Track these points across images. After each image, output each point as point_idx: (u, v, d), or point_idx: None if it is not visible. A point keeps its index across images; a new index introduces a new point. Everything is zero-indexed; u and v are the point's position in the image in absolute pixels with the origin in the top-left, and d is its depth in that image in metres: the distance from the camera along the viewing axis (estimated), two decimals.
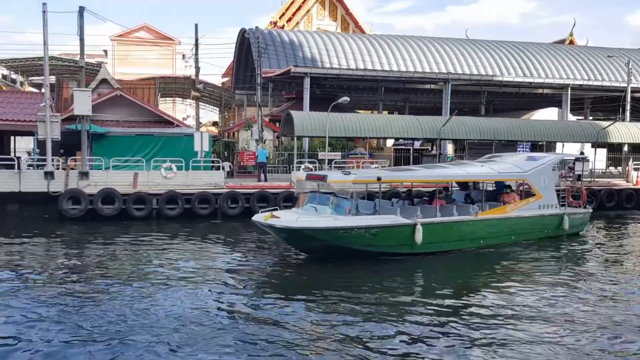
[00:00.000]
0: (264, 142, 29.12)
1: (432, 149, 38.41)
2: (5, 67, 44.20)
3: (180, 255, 16.49)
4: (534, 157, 20.39)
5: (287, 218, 15.12)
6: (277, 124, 36.03)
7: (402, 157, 35.50)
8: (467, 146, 34.77)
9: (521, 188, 19.61)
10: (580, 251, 18.85)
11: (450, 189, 19.89)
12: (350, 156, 30.79)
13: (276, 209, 16.79)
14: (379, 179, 16.02)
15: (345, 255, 15.39)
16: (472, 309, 11.53)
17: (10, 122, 26.06)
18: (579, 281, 14.30)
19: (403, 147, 38.46)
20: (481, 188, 19.12)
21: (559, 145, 34.38)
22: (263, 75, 32.24)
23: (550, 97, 43.29)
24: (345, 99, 27.10)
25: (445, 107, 36.07)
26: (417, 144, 39.25)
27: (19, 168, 23.30)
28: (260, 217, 15.55)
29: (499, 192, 19.72)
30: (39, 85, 51.39)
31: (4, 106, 27.50)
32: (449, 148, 37.98)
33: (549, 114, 44.78)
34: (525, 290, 13.11)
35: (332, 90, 39.46)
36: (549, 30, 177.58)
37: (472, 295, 12.78)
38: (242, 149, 32.79)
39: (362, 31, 56.45)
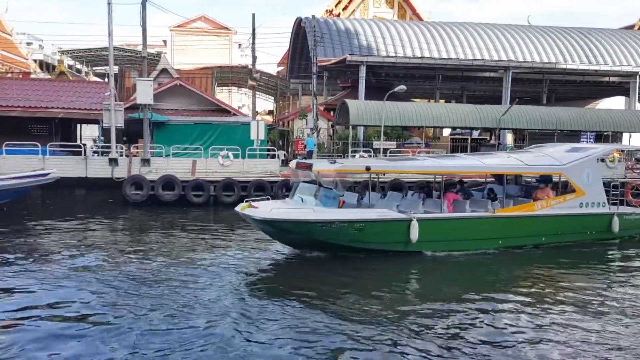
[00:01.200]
0: (312, 132, 29.23)
1: (490, 138, 37.52)
2: (71, 57, 46.12)
3: (227, 243, 16.88)
4: (578, 148, 18.14)
5: (263, 209, 14.10)
6: (332, 113, 36.10)
7: (460, 147, 34.86)
8: (528, 136, 33.79)
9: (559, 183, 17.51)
10: (624, 261, 15.92)
11: (462, 182, 18.21)
12: (405, 145, 30.52)
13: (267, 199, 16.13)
14: (367, 168, 14.71)
15: (342, 250, 14.34)
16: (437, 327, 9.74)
17: (77, 110, 27.35)
18: (604, 303, 11.42)
19: (460, 136, 37.75)
20: (516, 181, 17.96)
21: (625, 135, 32.84)
22: (318, 64, 32.31)
23: (616, 85, 41.26)
24: (401, 87, 26.88)
25: (505, 96, 35.11)
26: (475, 134, 38.44)
27: (85, 155, 24.44)
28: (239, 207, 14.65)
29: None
30: (102, 75, 53.45)
31: (71, 95, 28.87)
32: (509, 138, 36.98)
33: (615, 103, 42.78)
34: (522, 312, 10.63)
35: (388, 79, 39.07)
36: (615, 16, 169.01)
37: (448, 307, 10.80)
38: (297, 138, 33.08)
39: (420, 19, 55.51)
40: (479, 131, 38.46)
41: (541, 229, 16.17)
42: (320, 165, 14.91)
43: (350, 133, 30.65)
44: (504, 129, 32.19)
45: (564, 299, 11.67)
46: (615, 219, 16.95)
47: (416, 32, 40.88)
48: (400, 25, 42.73)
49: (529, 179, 19.36)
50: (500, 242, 15.56)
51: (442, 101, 44.95)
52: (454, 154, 21.16)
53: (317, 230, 13.91)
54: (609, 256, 16.37)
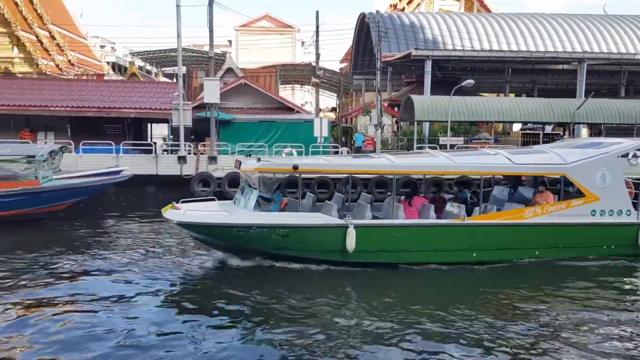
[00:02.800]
0: (376, 128, 28.97)
1: (564, 133, 35.98)
2: (142, 59, 47.97)
3: None
4: (598, 143, 15.30)
5: (180, 211, 13.10)
6: (396, 109, 35.74)
7: (531, 142, 33.62)
8: (604, 130, 32.16)
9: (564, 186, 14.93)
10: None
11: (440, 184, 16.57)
12: (473, 141, 29.76)
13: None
14: (295, 167, 12.90)
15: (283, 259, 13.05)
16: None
17: (148, 110, 28.46)
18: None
19: (532, 131, 36.42)
20: (516, 184, 15.67)
21: None
22: (382, 60, 32.03)
23: None
24: (469, 81, 26.26)
25: (579, 89, 33.54)
26: (548, 129, 37.00)
27: (155, 153, 25.38)
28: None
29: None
30: (170, 76, 55.35)
31: (142, 96, 30.09)
32: (583, 132, 35.37)
33: None
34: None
35: (454, 73, 38.28)
36: None
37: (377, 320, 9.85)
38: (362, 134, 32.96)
39: (488, 10, 54.01)
40: (552, 126, 37.00)
41: (533, 241, 13.65)
42: (247, 164, 13.53)
43: (415, 129, 30.22)
44: (579, 123, 30.76)
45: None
46: None
47: (484, 24, 39.80)
48: (467, 17, 41.72)
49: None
50: (474, 254, 13.33)
51: (512, 95, 43.55)
52: (428, 151, 18.62)
53: (233, 236, 12.67)
54: (622, 276, 13.20)
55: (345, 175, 15.75)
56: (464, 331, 9.43)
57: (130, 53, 52.95)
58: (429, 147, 27.85)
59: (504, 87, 39.31)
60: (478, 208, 13.91)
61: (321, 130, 26.31)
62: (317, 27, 34.80)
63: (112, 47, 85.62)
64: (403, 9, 54.27)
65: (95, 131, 28.20)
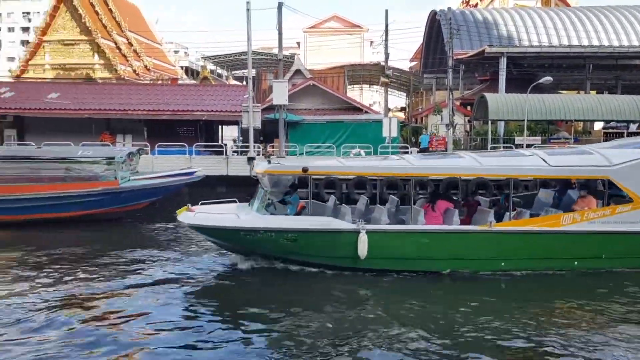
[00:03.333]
0: (448, 128, 28.34)
1: None
2: (213, 63, 49.43)
3: None
4: (632, 143, 13.99)
5: (192, 213, 13.09)
6: (469, 108, 34.88)
7: None
8: None
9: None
10: None
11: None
12: (551, 141, 28.53)
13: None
14: (304, 170, 12.57)
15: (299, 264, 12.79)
16: None
17: (219, 112, 29.26)
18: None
19: (615, 130, 34.46)
20: (563, 187, 14.39)
21: None
22: (454, 57, 31.35)
23: None
24: (547, 79, 25.26)
25: None
26: (632, 127, 34.87)
27: (226, 154, 26.05)
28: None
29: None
30: (240, 78, 56.70)
31: (214, 99, 30.98)
32: None
33: None
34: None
35: (530, 70, 36.86)
36: None
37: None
38: (431, 134, 32.40)
39: (567, 4, 51.70)
40: (637, 124, 34.84)
41: (571, 250, 12.56)
42: (258, 166, 13.38)
43: (489, 128, 29.35)
44: None
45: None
46: None
47: (562, 19, 38.16)
48: (545, 12, 40.15)
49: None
50: (502, 264, 12.52)
51: (593, 92, 41.42)
52: (454, 152, 17.66)
53: (241, 239, 12.65)
54: None
55: (366, 177, 15.05)
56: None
57: (202, 57, 54.79)
58: (504, 147, 26.99)
59: (584, 84, 37.40)
60: (508, 213, 12.90)
61: (390, 130, 26.07)
62: (387, 25, 34.54)
63: (185, 52, 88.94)
64: (476, 5, 52.94)
65: (169, 133, 29.30)
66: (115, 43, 44.18)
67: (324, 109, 31.69)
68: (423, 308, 10.65)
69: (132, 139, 29.86)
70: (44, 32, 43.37)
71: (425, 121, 38.76)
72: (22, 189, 18.92)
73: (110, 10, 45.41)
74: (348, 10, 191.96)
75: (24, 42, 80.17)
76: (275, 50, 29.04)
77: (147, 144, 26.55)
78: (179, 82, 48.10)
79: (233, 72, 53.98)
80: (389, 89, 41.12)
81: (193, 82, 50.80)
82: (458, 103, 35.32)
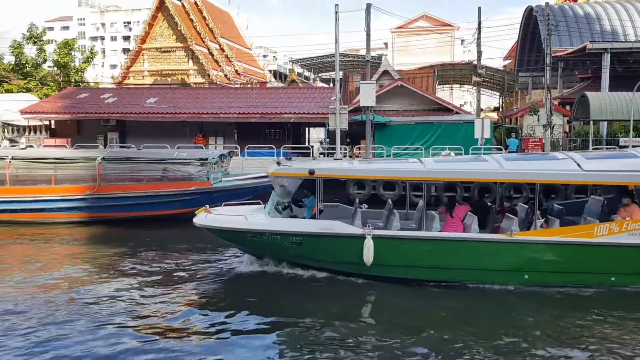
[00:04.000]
0: (545, 128, 27.12)
1: None
2: (300, 66, 50.39)
3: None
4: None
5: (206, 215, 13.21)
6: (568, 107, 33.24)
7: None
8: None
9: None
10: None
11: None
12: None
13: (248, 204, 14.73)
14: (311, 172, 12.21)
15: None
16: None
17: (306, 114, 29.82)
18: None
19: None
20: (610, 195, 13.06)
21: None
22: (552, 55, 30.01)
23: None
24: None
25: None
26: None
27: (313, 156, 26.48)
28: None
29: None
30: (327, 80, 57.38)
31: (301, 101, 31.63)
32: None
33: None
34: None
35: (638, 67, 34.57)
36: None
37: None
38: (527, 135, 31.19)
39: None
40: None
41: (605, 264, 11.38)
42: (269, 169, 13.22)
43: (591, 129, 27.80)
44: None
45: None
46: None
47: None
48: None
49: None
50: (525, 276, 11.57)
51: None
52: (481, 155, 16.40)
53: (248, 241, 12.74)
54: None
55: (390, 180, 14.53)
56: None
57: (290, 61, 55.99)
58: (606, 149, 25.49)
59: None
60: (535, 222, 11.90)
61: (482, 131, 25.39)
62: (479, 23, 33.70)
63: (274, 56, 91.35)
64: (576, 0, 50.32)
65: (258, 135, 30.26)
66: (208, 49, 46.26)
67: (412, 110, 31.38)
68: (424, 319, 10.38)
69: (224, 141, 31.14)
70: (143, 40, 46.26)
71: (521, 122, 37.36)
72: (124, 188, 20.28)
73: (204, 17, 47.65)
74: (438, 9, 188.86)
75: (125, 50, 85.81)
76: (362, 52, 29.18)
77: (237, 146, 27.56)
78: (268, 85, 49.51)
79: (320, 75, 54.69)
80: (481, 89, 40.02)
81: (281, 85, 52.09)
82: (556, 102, 33.76)
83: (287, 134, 31.08)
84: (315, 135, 38.89)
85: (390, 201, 14.10)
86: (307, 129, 35.10)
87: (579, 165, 11.87)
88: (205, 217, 13.14)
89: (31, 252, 16.30)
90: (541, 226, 11.83)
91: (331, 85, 46.74)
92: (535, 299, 11.17)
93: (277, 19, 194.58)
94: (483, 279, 11.69)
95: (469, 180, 12.95)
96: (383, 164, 14.56)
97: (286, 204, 13.14)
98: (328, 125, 27.34)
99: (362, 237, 11.58)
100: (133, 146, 26.09)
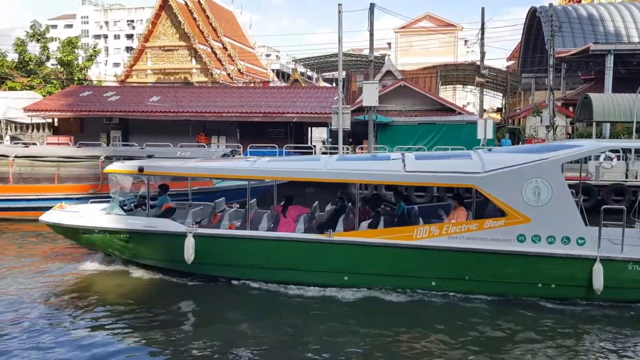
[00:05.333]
0: (548, 129, 27.15)
1: None
2: (303, 65, 50.49)
3: None
4: (551, 147, 11.70)
5: (55, 211, 13.37)
6: (571, 109, 33.24)
7: None
8: None
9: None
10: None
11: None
12: None
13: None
14: (140, 169, 12.34)
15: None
16: None
17: (308, 114, 29.86)
18: None
19: None
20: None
21: None
22: (556, 56, 30.04)
23: None
24: None
25: None
26: None
27: (315, 155, 26.50)
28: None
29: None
30: (330, 80, 57.46)
31: (304, 100, 31.67)
32: None
33: None
34: None
35: None
36: None
37: None
38: (530, 137, 31.23)
39: None
40: None
41: (425, 268, 10.91)
42: (108, 166, 13.48)
43: (593, 131, 27.83)
44: None
45: None
46: (599, 268, 10.14)
47: None
48: None
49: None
50: (345, 277, 11.16)
51: None
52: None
53: (82, 238, 12.91)
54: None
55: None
56: None
57: (292, 60, 56.12)
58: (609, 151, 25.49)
59: None
60: (356, 222, 11.55)
61: (485, 132, 25.39)
62: (483, 24, 33.73)
63: (277, 56, 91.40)
64: (579, 1, 50.26)
65: (260, 135, 30.31)
66: (212, 48, 46.33)
67: (415, 110, 31.42)
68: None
69: (226, 140, 31.21)
70: (146, 38, 46.35)
71: (523, 123, 37.38)
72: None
73: (207, 16, 47.72)
74: (442, 9, 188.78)
75: (128, 49, 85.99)
76: (365, 52, 29.24)
77: (240, 145, 27.61)
78: (270, 84, 49.58)
79: (323, 74, 54.81)
80: (484, 90, 40.06)
81: (284, 84, 52.14)
82: (559, 104, 33.79)
83: (289, 134, 31.14)
84: (318, 135, 38.93)
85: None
86: (309, 128, 35.14)
87: (404, 166, 11.45)
88: (47, 214, 13.28)
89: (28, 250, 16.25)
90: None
91: (334, 85, 46.83)
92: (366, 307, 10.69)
93: (280, 18, 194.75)
94: (303, 279, 11.39)
95: (290, 179, 12.61)
96: (213, 163, 14.24)
97: (135, 201, 13.46)
98: (330, 125, 27.38)
99: (184, 235, 11.53)
100: (136, 144, 26.17)
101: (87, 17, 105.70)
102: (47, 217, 13.24)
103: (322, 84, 52.78)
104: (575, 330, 9.60)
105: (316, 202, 14.17)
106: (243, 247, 11.68)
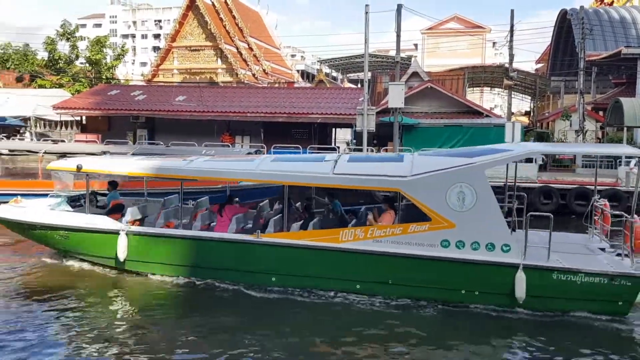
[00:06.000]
0: (577, 134, 26.74)
1: None
2: (328, 66, 50.54)
3: None
4: (489, 150, 11.40)
5: (5, 205, 13.60)
6: (601, 113, 32.68)
7: None
8: None
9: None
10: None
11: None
12: None
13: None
14: (79, 167, 12.66)
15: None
16: None
17: (333, 115, 29.89)
18: None
19: None
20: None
21: None
22: (586, 59, 29.58)
23: None
24: None
25: None
26: None
27: None
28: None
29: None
30: (355, 81, 57.45)
31: (329, 101, 31.71)
32: None
33: None
34: None
35: None
36: None
37: None
38: (558, 141, 30.81)
39: None
40: None
41: (351, 271, 10.88)
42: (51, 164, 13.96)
43: (624, 136, 27.33)
44: None
45: None
46: (521, 276, 9.91)
47: None
48: None
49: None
50: (273, 278, 11.25)
51: None
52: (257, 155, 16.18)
53: (27, 233, 13.25)
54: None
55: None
56: None
57: (318, 61, 56.22)
58: None
59: None
60: (285, 223, 11.58)
61: (513, 135, 25.14)
62: (512, 26, 33.32)
63: (302, 56, 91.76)
64: (611, 3, 49.39)
65: (284, 135, 30.42)
66: (237, 48, 46.70)
67: (442, 113, 31.24)
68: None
69: (250, 140, 31.41)
70: (173, 38, 46.94)
71: (552, 127, 36.88)
72: (152, 184, 20.63)
73: (233, 17, 48.14)
74: (470, 11, 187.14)
75: (155, 49, 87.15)
76: (392, 53, 29.21)
77: (264, 145, 27.77)
78: (295, 85, 49.75)
79: (348, 75, 54.79)
80: (512, 92, 39.63)
81: (308, 85, 52.29)
82: (589, 108, 33.26)
83: (313, 135, 31.21)
84: (342, 136, 38.93)
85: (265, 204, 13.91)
86: (333, 129, 35.18)
87: (333, 168, 11.32)
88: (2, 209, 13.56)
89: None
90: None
91: (359, 86, 46.79)
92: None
93: (305, 19, 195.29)
94: (234, 278, 11.47)
95: (218, 180, 13.63)
96: (159, 161, 13.81)
97: (83, 198, 13.59)
98: (355, 126, 27.35)
99: (117, 233, 11.83)
100: (161, 143, 26.51)
101: (116, 16, 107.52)
102: None
103: (347, 85, 52.78)
104: (487, 339, 9.39)
105: (265, 201, 14.14)
106: (172, 247, 11.88)
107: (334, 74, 53.86)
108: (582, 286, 9.81)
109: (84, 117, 34.68)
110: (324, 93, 34.05)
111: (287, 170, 11.74)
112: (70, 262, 13.14)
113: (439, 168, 10.55)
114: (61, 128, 38.94)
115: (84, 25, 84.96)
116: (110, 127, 33.87)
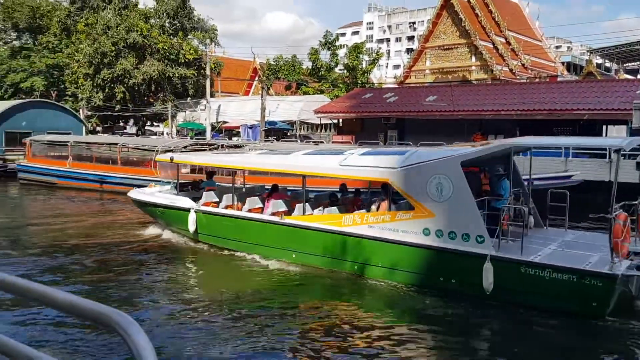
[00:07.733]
0: None
1: None
2: (600, 56, 45.85)
3: None
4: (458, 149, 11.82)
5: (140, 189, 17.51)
6: None
7: None
8: None
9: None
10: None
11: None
12: None
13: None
14: (171, 159, 15.90)
15: None
16: None
17: (603, 111, 26.92)
18: None
19: None
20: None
21: None
22: None
23: None
24: None
25: None
26: None
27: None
28: None
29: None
30: (633, 71, 50.90)
31: (598, 95, 28.66)
32: None
33: None
34: None
35: None
36: None
37: None
38: None
39: None
40: None
41: (351, 253, 12.02)
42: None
43: None
44: None
45: None
46: (488, 266, 9.99)
47: None
48: None
49: None
50: (294, 255, 12.92)
51: None
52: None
53: (147, 210, 16.79)
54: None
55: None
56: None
57: (587, 51, 51.38)
58: None
59: None
60: (304, 208, 13.26)
61: None
62: None
63: (568, 47, 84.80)
64: None
65: (544, 133, 28.41)
66: (493, 43, 45.34)
67: None
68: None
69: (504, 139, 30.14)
70: (426, 39, 47.73)
71: None
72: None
73: (490, 11, 46.85)
74: None
75: (408, 51, 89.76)
76: None
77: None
78: (559, 79, 46.18)
79: (625, 65, 48.90)
80: None
81: (575, 78, 48.09)
82: None
83: (578, 133, 28.57)
84: (615, 133, 34.85)
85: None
86: (604, 127, 31.65)
87: (342, 160, 12.54)
88: (135, 191, 17.24)
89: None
90: None
91: (638, 76, 41.31)
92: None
93: (573, 6, 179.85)
94: (266, 254, 13.34)
95: (238, 168, 16.41)
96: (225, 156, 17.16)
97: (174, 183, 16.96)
98: (631, 122, 24.25)
99: (188, 210, 14.65)
100: (410, 143, 27.13)
101: (372, 22, 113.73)
102: (132, 193, 17.19)
103: (624, 76, 47.10)
104: (451, 328, 9.77)
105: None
106: (226, 224, 14.42)
107: (607, 64, 48.65)
108: (550, 282, 9.76)
109: (340, 120, 37.42)
110: (593, 86, 30.88)
111: (301, 163, 13.58)
112: (167, 232, 16.41)
113: (422, 160, 11.35)
114: (321, 130, 42.70)
115: (343, 34, 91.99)
116: (363, 128, 35.93)
